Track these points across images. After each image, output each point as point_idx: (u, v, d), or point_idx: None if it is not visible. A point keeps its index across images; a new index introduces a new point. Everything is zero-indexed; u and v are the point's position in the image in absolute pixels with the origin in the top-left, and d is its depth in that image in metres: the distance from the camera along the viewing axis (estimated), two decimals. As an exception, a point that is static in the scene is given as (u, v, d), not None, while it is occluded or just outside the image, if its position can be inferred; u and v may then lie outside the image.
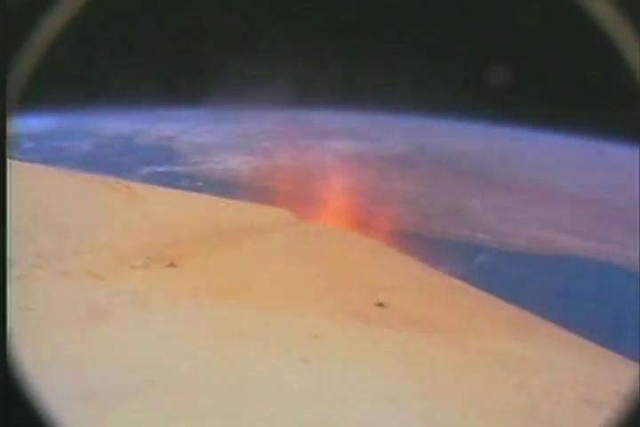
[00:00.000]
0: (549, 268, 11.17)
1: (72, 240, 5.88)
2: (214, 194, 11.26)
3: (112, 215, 7.18)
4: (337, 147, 17.14)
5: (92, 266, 5.31)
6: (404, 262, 8.80)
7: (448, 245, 11.70)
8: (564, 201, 13.95)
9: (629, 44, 1.62)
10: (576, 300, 9.11)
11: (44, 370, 2.21)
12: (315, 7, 13.41)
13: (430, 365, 3.72)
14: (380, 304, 5.42)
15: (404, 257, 9.20)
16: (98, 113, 15.53)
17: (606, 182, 14.78)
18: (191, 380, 2.87)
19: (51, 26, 1.81)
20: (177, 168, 15.78)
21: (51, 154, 13.84)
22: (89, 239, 6.05)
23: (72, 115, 16.00)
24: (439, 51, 13.35)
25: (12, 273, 4.24)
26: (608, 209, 13.66)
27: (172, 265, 5.86)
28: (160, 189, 9.96)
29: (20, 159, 7.73)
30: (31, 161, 8.82)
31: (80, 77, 12.52)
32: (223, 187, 13.37)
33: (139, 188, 8.90)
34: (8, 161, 1.72)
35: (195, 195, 10.79)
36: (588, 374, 4.17)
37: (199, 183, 14.23)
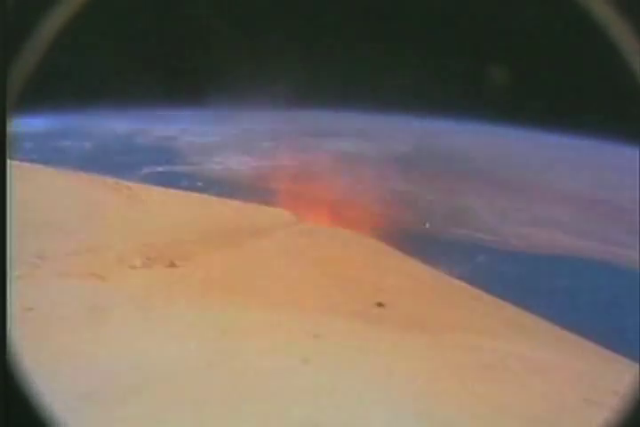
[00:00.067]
0: (549, 268, 11.17)
1: (72, 240, 5.89)
2: (214, 194, 11.27)
3: (112, 215, 7.18)
4: (337, 147, 17.13)
5: (92, 266, 5.31)
6: (404, 262, 8.80)
7: (448, 245, 11.69)
8: (564, 201, 13.94)
9: (629, 45, 1.62)
10: (576, 300, 9.10)
11: (44, 370, 2.21)
12: (315, 7, 13.41)
13: (430, 365, 3.72)
14: (380, 304, 5.42)
15: (404, 257, 9.19)
16: (98, 113, 15.54)
17: (606, 182, 14.78)
18: (191, 380, 2.87)
19: (51, 26, 1.81)
20: (177, 168, 15.76)
21: (51, 154, 13.83)
22: (89, 239, 6.06)
23: (72, 115, 16.00)
24: (439, 51, 13.36)
25: (12, 273, 4.24)
26: (608, 209, 13.66)
27: (172, 265, 5.86)
28: (160, 189, 9.97)
29: (20, 159, 7.74)
30: (31, 161, 8.83)
31: (80, 77, 12.53)
32: (223, 187, 13.36)
33: (139, 188, 8.91)
34: (8, 161, 1.72)
35: (195, 195, 10.80)
36: (588, 374, 4.17)
37: (199, 183, 14.22)
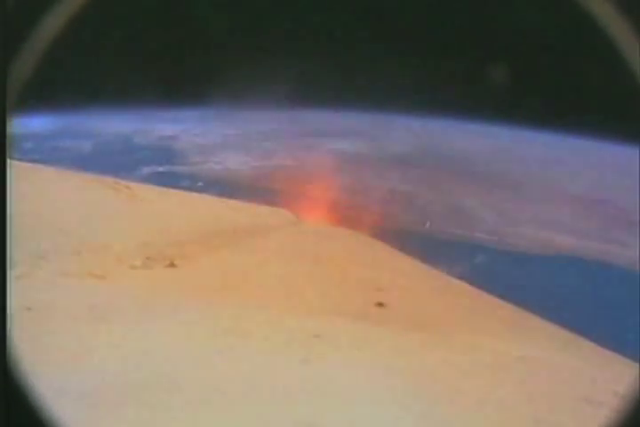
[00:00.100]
0: (549, 268, 11.18)
1: (72, 240, 5.89)
2: (214, 194, 11.29)
3: (112, 215, 7.19)
4: (337, 147, 17.14)
5: (92, 266, 5.31)
6: (404, 262, 8.81)
7: (448, 245, 11.70)
8: (564, 201, 13.96)
9: (629, 45, 1.62)
10: (576, 300, 9.11)
11: (44, 370, 2.21)
12: (315, 7, 13.41)
13: (430, 365, 3.72)
14: (380, 304, 5.42)
15: (404, 257, 9.20)
16: (98, 113, 15.55)
17: (606, 182, 14.79)
18: (191, 380, 2.87)
19: (51, 26, 1.81)
20: (177, 168, 15.78)
21: (51, 154, 13.86)
22: (89, 239, 6.06)
23: (72, 115, 16.01)
24: (439, 50, 13.35)
25: (12, 273, 4.25)
26: (608, 209, 13.67)
27: (172, 265, 5.86)
28: (160, 189, 9.99)
29: (20, 159, 7.76)
30: (31, 161, 8.84)
31: (80, 77, 12.52)
32: (223, 187, 13.37)
33: (138, 188, 8.92)
34: (8, 161, 1.72)
35: (195, 195, 10.82)
36: (587, 374, 4.17)
37: (199, 183, 14.24)
